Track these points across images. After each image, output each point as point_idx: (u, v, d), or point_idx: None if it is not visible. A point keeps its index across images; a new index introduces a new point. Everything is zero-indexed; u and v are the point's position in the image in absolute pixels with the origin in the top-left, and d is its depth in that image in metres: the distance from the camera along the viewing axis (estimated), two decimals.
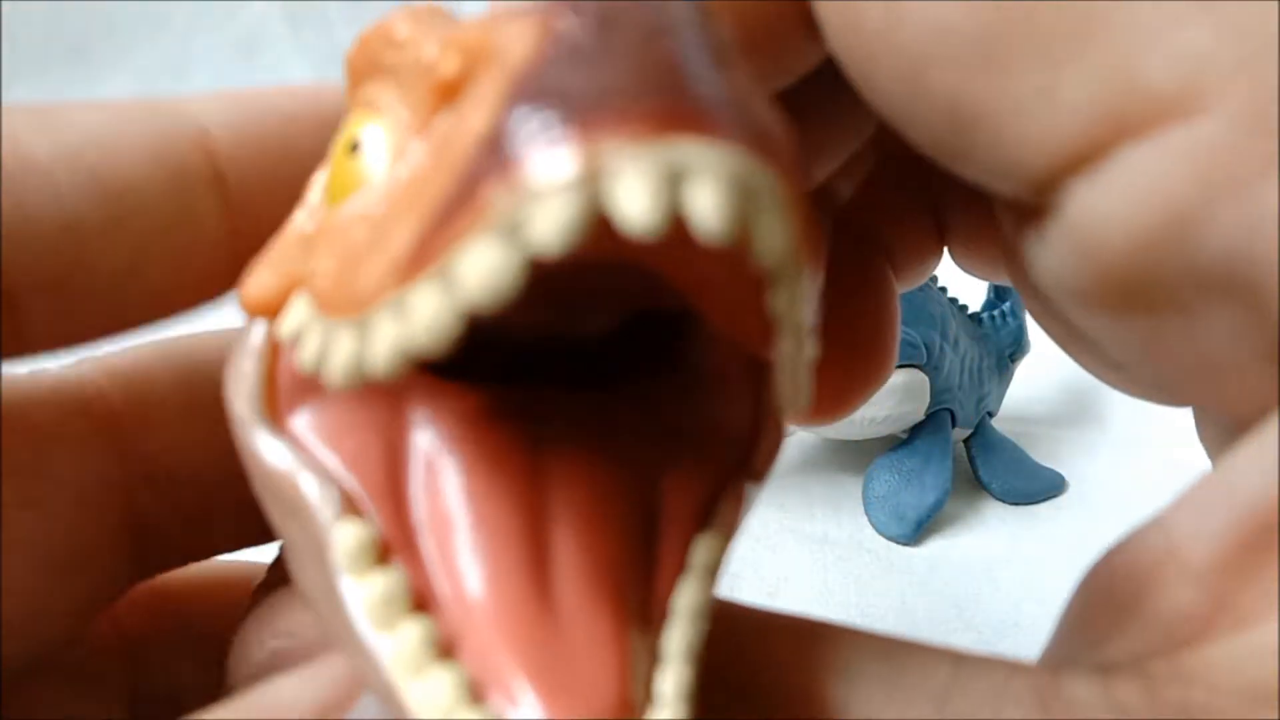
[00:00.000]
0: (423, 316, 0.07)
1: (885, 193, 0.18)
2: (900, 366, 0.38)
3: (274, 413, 0.10)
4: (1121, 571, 0.11)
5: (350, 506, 0.09)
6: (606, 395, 0.10)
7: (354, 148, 0.10)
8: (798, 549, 0.38)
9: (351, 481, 0.09)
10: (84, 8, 0.64)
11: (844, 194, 0.18)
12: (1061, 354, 0.20)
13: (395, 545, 0.09)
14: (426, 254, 0.07)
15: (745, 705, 0.10)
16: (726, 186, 0.07)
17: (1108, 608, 0.11)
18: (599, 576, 0.09)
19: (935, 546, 0.39)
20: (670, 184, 0.07)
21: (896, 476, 0.40)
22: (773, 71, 0.13)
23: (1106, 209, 0.10)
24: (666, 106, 0.07)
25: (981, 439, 0.42)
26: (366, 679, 0.09)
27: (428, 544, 0.09)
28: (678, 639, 0.09)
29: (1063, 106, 0.10)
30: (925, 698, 0.10)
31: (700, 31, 0.08)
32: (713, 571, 0.10)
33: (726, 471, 0.10)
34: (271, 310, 0.10)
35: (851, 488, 0.40)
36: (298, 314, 0.10)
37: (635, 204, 0.07)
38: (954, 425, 0.41)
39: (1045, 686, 0.10)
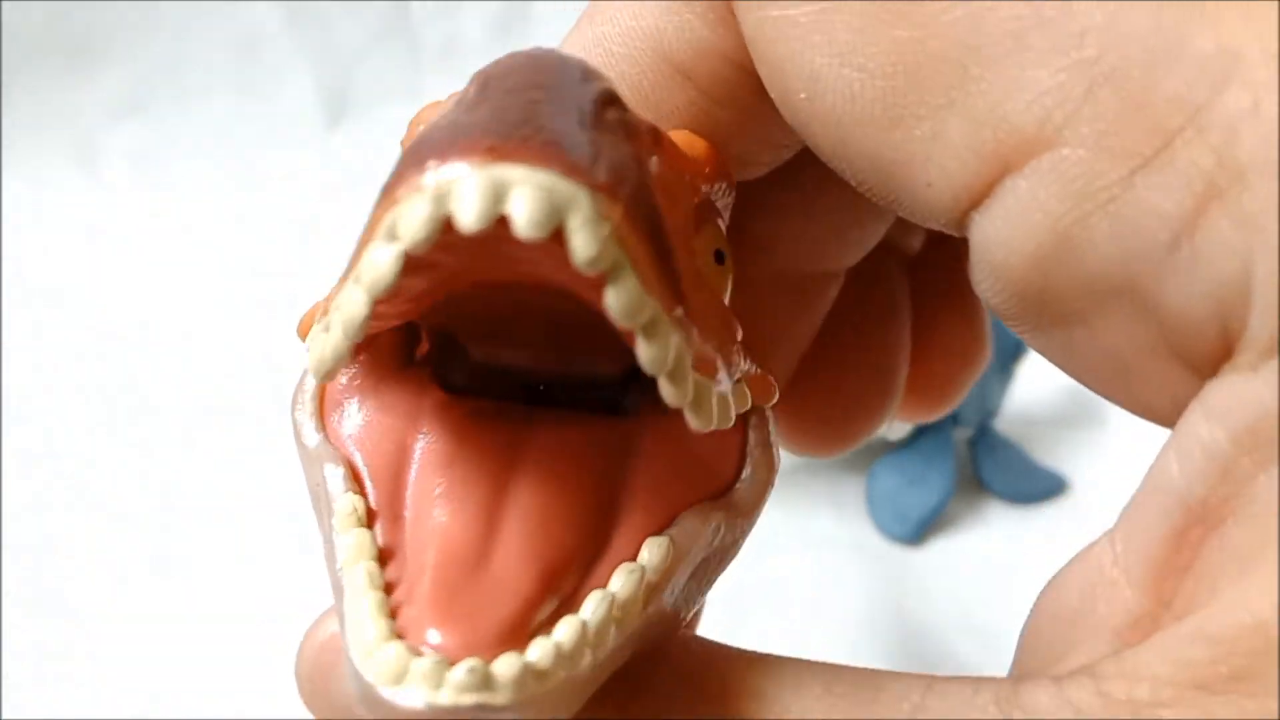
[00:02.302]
0: (348, 306, 0.10)
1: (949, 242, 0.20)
2: None
3: (323, 417, 0.13)
4: (1071, 587, 0.12)
5: (356, 485, 0.12)
6: (598, 419, 0.12)
7: None
8: (800, 549, 0.38)
9: (361, 467, 0.12)
10: (84, 8, 0.64)
11: (913, 246, 0.21)
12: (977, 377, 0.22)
13: (384, 516, 0.11)
14: (353, 263, 0.10)
15: None
16: (536, 195, 0.09)
17: (1060, 624, 0.12)
18: (537, 554, 0.11)
19: (937, 547, 0.39)
20: (495, 196, 0.09)
21: (899, 477, 0.40)
22: (745, 167, 0.15)
23: (1001, 236, 0.11)
24: (500, 141, 0.09)
25: (983, 440, 0.42)
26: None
27: (410, 515, 0.11)
28: (585, 611, 0.10)
29: (951, 151, 0.11)
30: (899, 712, 0.10)
31: (567, 88, 0.10)
32: (655, 572, 0.11)
33: (698, 495, 0.12)
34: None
35: (854, 488, 0.40)
36: (312, 330, 0.12)
37: (465, 209, 0.09)
38: (956, 426, 0.41)
39: (1005, 697, 0.10)
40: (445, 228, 0.09)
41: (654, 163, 0.11)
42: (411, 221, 0.09)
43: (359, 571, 0.11)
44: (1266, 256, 0.10)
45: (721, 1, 0.13)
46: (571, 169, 0.09)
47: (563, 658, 0.10)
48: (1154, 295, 0.11)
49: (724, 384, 0.11)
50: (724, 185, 0.13)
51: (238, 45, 0.67)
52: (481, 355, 0.13)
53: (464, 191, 0.09)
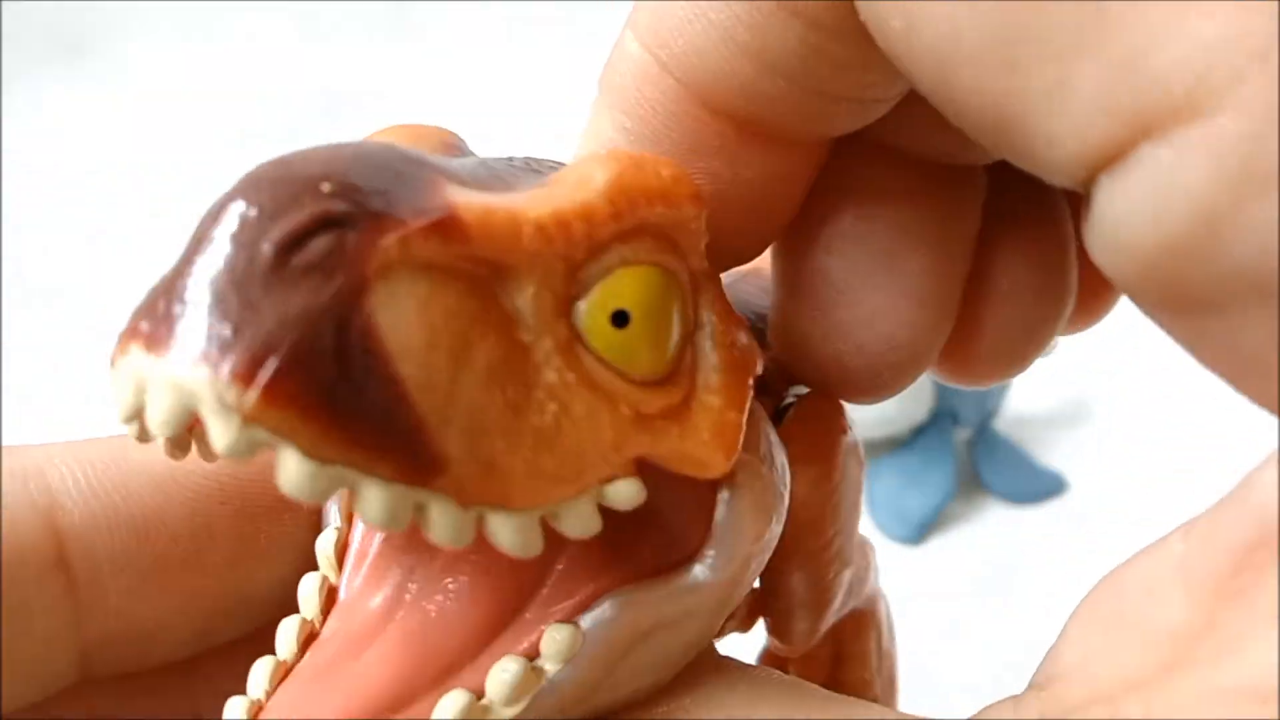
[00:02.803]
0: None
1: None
2: None
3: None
4: (1126, 586, 0.11)
5: (338, 558, 0.12)
6: None
7: None
8: None
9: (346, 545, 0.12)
10: (84, 8, 0.64)
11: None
12: (1063, 355, 0.20)
13: (354, 555, 0.12)
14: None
15: None
16: (164, 393, 0.09)
17: (1106, 622, 0.11)
18: (408, 651, 0.11)
19: (937, 547, 0.39)
20: (137, 391, 0.09)
21: (899, 477, 0.40)
22: (876, 99, 0.13)
23: (1134, 208, 0.10)
24: (142, 332, 0.09)
25: (983, 440, 0.42)
26: None
27: (341, 596, 0.12)
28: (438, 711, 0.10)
29: (1078, 104, 0.10)
30: None
31: (247, 233, 0.09)
32: (555, 660, 0.11)
33: (630, 571, 0.11)
34: None
35: None
36: None
37: (118, 404, 0.09)
38: (956, 426, 0.41)
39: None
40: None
41: (404, 279, 0.09)
42: (114, 398, 0.09)
43: (284, 632, 0.12)
44: None
45: None
46: (197, 359, 0.09)
47: None
48: None
49: (562, 499, 0.10)
50: (657, 210, 0.11)
51: (238, 45, 0.67)
52: None
53: (116, 386, 0.09)
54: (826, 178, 0.14)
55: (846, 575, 0.17)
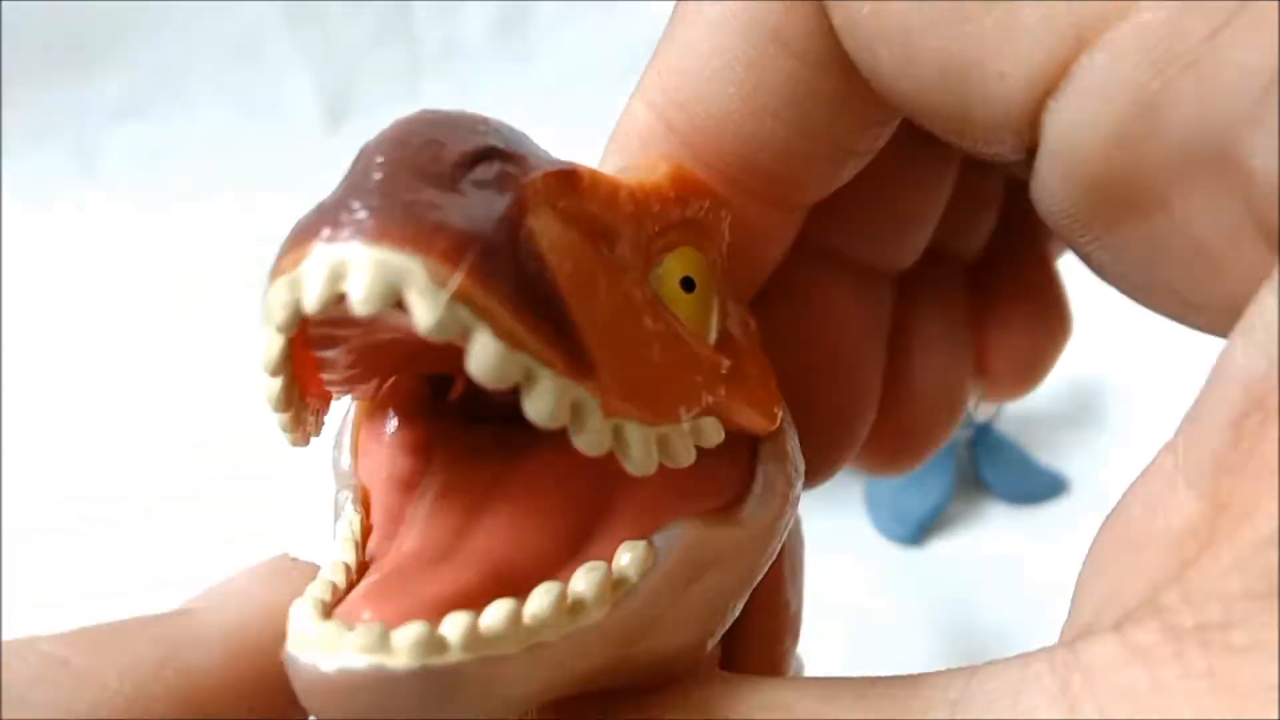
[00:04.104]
0: (264, 352, 0.10)
1: (1022, 219, 0.20)
2: None
3: (356, 451, 0.13)
4: (1135, 504, 0.11)
5: (363, 508, 0.12)
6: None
7: None
8: None
9: (376, 497, 0.13)
10: (84, 8, 0.64)
11: (969, 251, 0.20)
12: (1064, 355, 0.21)
13: (379, 534, 0.12)
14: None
15: None
16: (369, 272, 0.09)
17: (1123, 546, 0.11)
18: (492, 558, 0.11)
19: (937, 547, 0.39)
20: (333, 277, 0.09)
21: (899, 477, 0.40)
22: (841, 158, 0.15)
23: (1080, 118, 0.11)
24: (334, 228, 0.09)
25: (983, 440, 0.42)
26: None
27: (398, 534, 0.12)
28: (531, 600, 0.10)
29: (1025, 33, 0.11)
30: (942, 703, 0.10)
31: (424, 153, 0.10)
32: (632, 569, 0.11)
33: (691, 511, 0.12)
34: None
35: (854, 488, 0.40)
36: None
37: (309, 294, 0.09)
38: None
39: (1062, 661, 0.09)
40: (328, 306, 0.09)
41: (545, 213, 0.11)
42: (274, 308, 0.10)
43: (322, 571, 0.11)
44: None
45: None
46: (404, 240, 0.09)
47: (476, 636, 0.10)
48: (1242, 160, 0.10)
49: (671, 423, 0.11)
50: (704, 205, 0.13)
51: (237, 45, 0.67)
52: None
53: (307, 277, 0.09)
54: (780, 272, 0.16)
55: (795, 652, 0.18)
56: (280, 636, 0.10)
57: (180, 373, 0.47)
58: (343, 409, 0.14)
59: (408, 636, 0.09)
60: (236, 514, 0.39)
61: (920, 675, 0.10)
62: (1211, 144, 0.10)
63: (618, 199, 0.12)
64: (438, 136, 0.10)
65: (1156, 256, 0.12)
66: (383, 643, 0.09)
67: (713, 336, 0.13)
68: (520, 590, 0.10)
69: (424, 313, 0.09)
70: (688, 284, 0.13)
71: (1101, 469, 0.42)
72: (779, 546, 0.13)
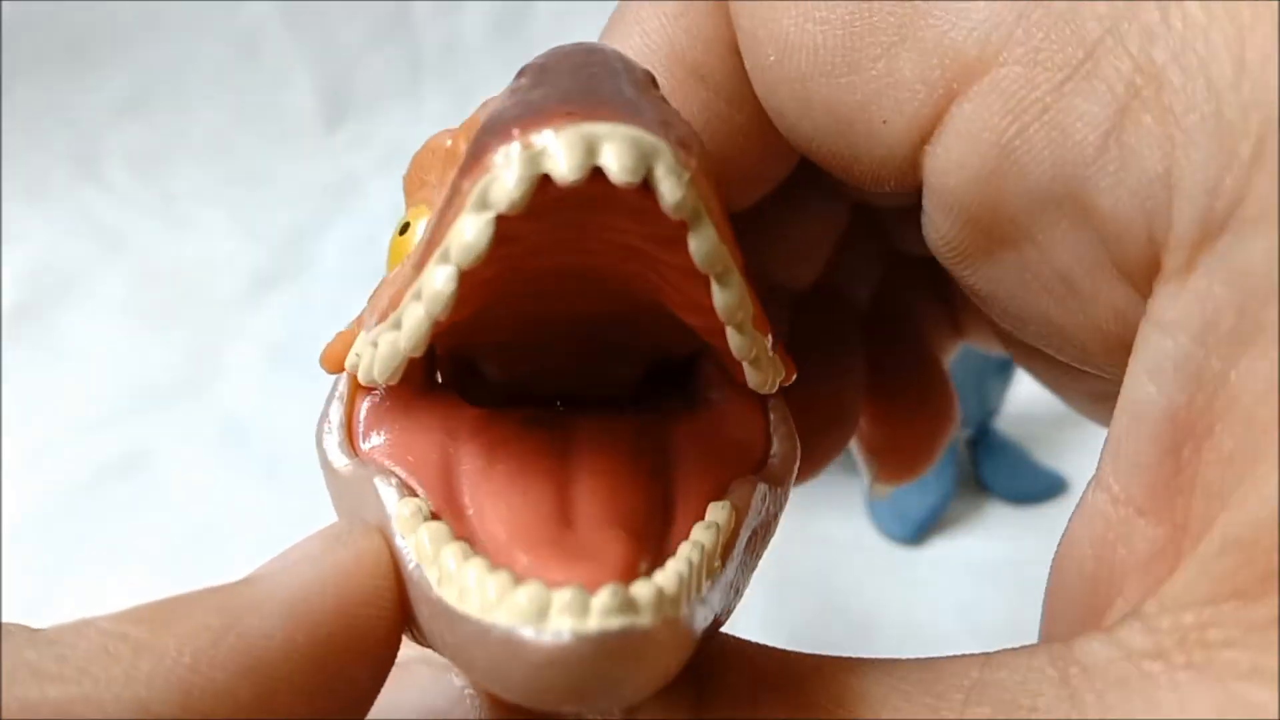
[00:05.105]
0: (433, 285, 0.10)
1: (903, 292, 0.22)
2: None
3: (351, 441, 0.13)
4: (1082, 544, 0.12)
5: (409, 493, 0.12)
6: (629, 414, 0.13)
7: (404, 229, 0.13)
8: (801, 550, 0.38)
9: (409, 478, 0.12)
10: (84, 8, 0.64)
11: (861, 297, 0.22)
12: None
13: (445, 515, 0.11)
14: (431, 245, 0.11)
15: None
16: (627, 145, 0.10)
17: (1084, 582, 0.12)
18: (614, 518, 0.11)
19: (937, 547, 0.39)
20: (587, 149, 0.09)
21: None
22: (749, 184, 0.16)
23: (952, 162, 0.12)
24: (582, 105, 0.10)
25: (984, 440, 0.42)
26: (430, 623, 0.11)
27: (473, 511, 0.11)
28: (683, 552, 0.10)
29: (904, 84, 0.12)
30: (956, 691, 0.10)
31: (618, 68, 0.11)
32: (725, 530, 0.11)
33: (738, 470, 0.13)
34: (341, 362, 0.13)
35: (854, 488, 0.40)
36: (355, 345, 0.13)
37: (561, 163, 0.09)
38: None
39: (1060, 655, 0.10)
40: (539, 186, 0.10)
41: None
42: (506, 184, 0.10)
43: (449, 551, 0.11)
44: (1186, 145, 0.10)
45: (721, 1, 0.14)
46: (649, 125, 0.10)
47: (684, 584, 0.10)
48: (1089, 200, 0.11)
49: (771, 346, 0.12)
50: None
51: (237, 45, 0.67)
52: (501, 375, 0.14)
53: (558, 149, 0.09)
54: None
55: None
56: (342, 603, 0.10)
57: (180, 372, 0.47)
58: (328, 389, 0.14)
59: (648, 595, 0.09)
60: (239, 510, 0.40)
61: (939, 660, 0.11)
62: (1062, 184, 0.11)
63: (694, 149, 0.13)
64: (618, 60, 0.11)
65: (1030, 286, 0.13)
66: (630, 604, 0.09)
67: None
68: (646, 548, 0.11)
69: (671, 188, 0.10)
70: None
71: None
72: (781, 509, 0.14)
